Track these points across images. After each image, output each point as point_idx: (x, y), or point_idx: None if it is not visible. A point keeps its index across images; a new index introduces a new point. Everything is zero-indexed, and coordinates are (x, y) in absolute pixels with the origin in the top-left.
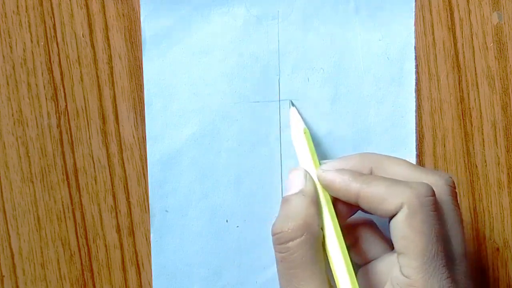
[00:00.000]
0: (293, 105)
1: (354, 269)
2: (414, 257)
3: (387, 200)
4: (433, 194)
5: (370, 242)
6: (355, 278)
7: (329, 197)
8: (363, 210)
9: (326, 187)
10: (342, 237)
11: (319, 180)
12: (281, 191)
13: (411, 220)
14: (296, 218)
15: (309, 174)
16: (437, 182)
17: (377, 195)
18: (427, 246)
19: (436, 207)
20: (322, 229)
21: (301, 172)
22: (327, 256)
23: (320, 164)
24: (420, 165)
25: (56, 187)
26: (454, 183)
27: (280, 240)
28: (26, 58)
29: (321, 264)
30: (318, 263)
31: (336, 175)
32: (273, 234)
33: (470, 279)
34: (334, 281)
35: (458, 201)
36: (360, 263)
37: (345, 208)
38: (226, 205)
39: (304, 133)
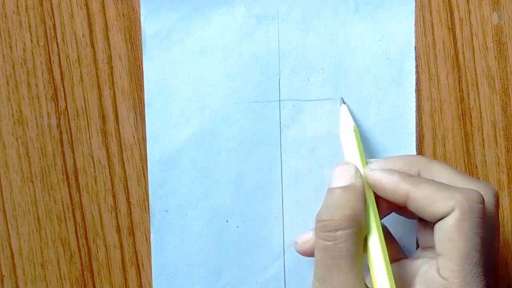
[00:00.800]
0: (344, 102)
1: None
2: (457, 260)
3: (436, 202)
4: (483, 201)
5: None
6: (393, 280)
7: (373, 196)
8: (402, 214)
9: (373, 186)
10: (383, 237)
11: (366, 178)
12: (281, 191)
13: (460, 224)
14: (346, 209)
15: (359, 171)
16: (483, 191)
17: (426, 197)
18: (471, 252)
19: (484, 215)
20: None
21: (351, 166)
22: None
23: (367, 163)
24: None
25: (56, 187)
26: (498, 194)
27: (327, 228)
28: (26, 58)
29: (361, 260)
30: (360, 258)
31: (385, 175)
32: (320, 221)
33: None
34: (369, 279)
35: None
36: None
37: (383, 208)
38: (226, 205)
39: (354, 131)
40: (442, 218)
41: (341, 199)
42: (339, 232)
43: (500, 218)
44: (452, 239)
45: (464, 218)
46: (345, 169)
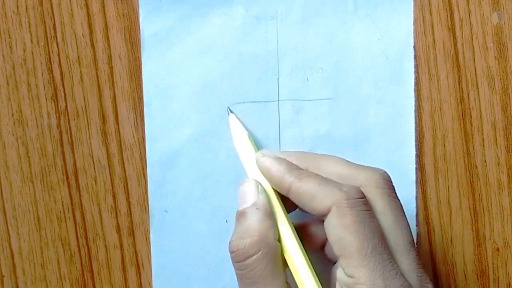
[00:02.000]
0: (231, 112)
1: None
2: (352, 256)
3: (317, 198)
4: (363, 196)
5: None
6: (320, 284)
7: (282, 206)
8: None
9: (262, 173)
10: (301, 244)
11: (257, 163)
12: None
13: (343, 220)
14: (251, 234)
15: (261, 185)
16: (372, 176)
17: (307, 192)
18: (363, 243)
19: (367, 206)
20: (279, 240)
21: (252, 183)
22: (287, 267)
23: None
24: (418, 166)
25: (56, 187)
26: (389, 177)
27: (238, 258)
28: (26, 58)
29: (281, 276)
30: (278, 276)
31: (274, 164)
32: (231, 252)
33: (422, 267)
34: None
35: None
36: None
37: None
38: (226, 205)
39: (249, 138)
40: (326, 217)
41: (246, 223)
42: (248, 260)
43: (500, 218)
44: (341, 237)
45: (345, 214)
46: (247, 188)
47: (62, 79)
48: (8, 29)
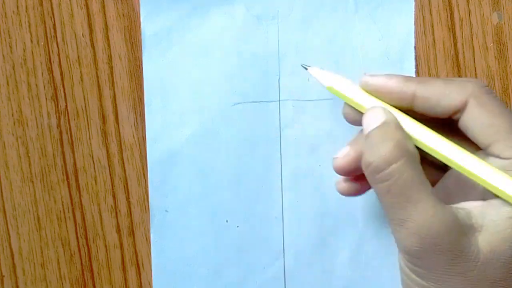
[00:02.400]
0: (307, 67)
1: None
2: (508, 136)
3: (448, 96)
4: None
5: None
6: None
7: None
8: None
9: (376, 92)
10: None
11: (367, 85)
12: (281, 191)
13: (487, 108)
14: (387, 142)
15: (387, 108)
16: (476, 84)
17: (435, 93)
18: None
19: (494, 94)
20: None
21: (378, 108)
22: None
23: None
24: None
25: (56, 187)
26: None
27: (378, 168)
28: (26, 58)
29: (428, 183)
30: (426, 182)
31: (388, 78)
32: (368, 165)
33: None
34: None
35: None
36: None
37: None
38: (226, 205)
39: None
40: (461, 113)
41: (379, 136)
42: (392, 166)
43: None
44: (489, 123)
45: (485, 101)
46: (373, 113)
47: (62, 79)
48: (8, 29)
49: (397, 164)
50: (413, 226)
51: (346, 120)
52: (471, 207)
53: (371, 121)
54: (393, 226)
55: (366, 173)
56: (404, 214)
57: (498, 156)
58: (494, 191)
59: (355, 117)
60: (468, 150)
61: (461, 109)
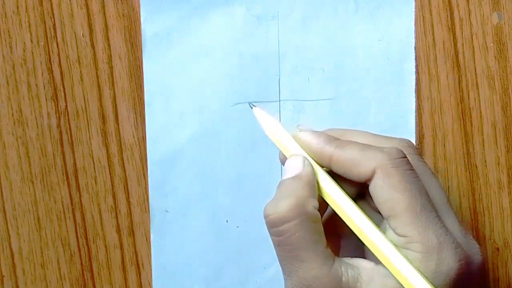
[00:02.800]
0: (253, 106)
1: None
2: (403, 215)
3: (360, 164)
4: (405, 155)
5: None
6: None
7: (330, 178)
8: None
9: (303, 148)
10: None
11: (297, 139)
12: None
13: (389, 181)
14: (290, 198)
15: (307, 160)
16: (400, 145)
17: (350, 158)
18: (412, 201)
19: (410, 166)
20: (328, 203)
21: (298, 157)
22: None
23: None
24: None
25: (56, 187)
26: (414, 145)
27: (274, 223)
28: (26, 58)
29: (321, 242)
30: (318, 242)
31: (312, 136)
32: (265, 217)
33: (462, 225)
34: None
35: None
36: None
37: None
38: (226, 205)
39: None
40: (371, 181)
41: (286, 190)
42: (285, 225)
43: (500, 218)
44: (389, 198)
45: (390, 174)
46: (293, 161)
47: (62, 79)
48: (8, 29)
49: (289, 224)
50: (297, 280)
51: (282, 164)
52: (362, 267)
53: (288, 169)
54: (283, 273)
55: (264, 220)
56: (290, 268)
57: (393, 231)
58: (383, 262)
59: None
60: (378, 216)
61: (370, 178)
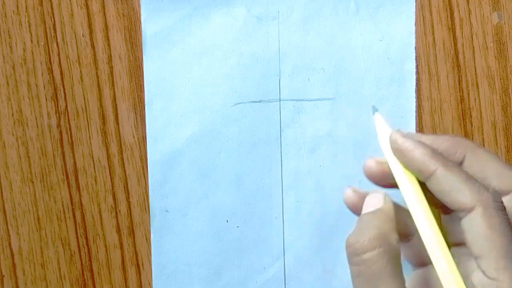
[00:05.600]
0: (376, 110)
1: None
2: (499, 258)
3: (462, 192)
4: (502, 201)
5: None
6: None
7: (424, 198)
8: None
9: (400, 154)
10: (443, 238)
11: (395, 145)
12: (281, 191)
13: (490, 221)
14: (372, 229)
15: (388, 196)
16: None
17: (453, 182)
18: (509, 246)
19: (506, 213)
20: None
21: (380, 193)
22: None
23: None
24: None
25: (56, 187)
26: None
27: (356, 252)
28: (26, 58)
29: (400, 278)
30: (397, 277)
31: (418, 145)
32: (348, 246)
33: None
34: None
35: None
36: (415, 265)
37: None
38: (226, 205)
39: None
40: (465, 213)
41: (368, 222)
42: (367, 254)
43: None
44: (487, 237)
45: (492, 215)
46: (374, 197)
47: (62, 79)
48: (8, 29)
49: (371, 253)
50: None
51: (364, 173)
52: None
53: (369, 204)
54: None
55: (346, 251)
56: None
57: (483, 272)
58: None
59: (376, 173)
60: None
61: (466, 211)
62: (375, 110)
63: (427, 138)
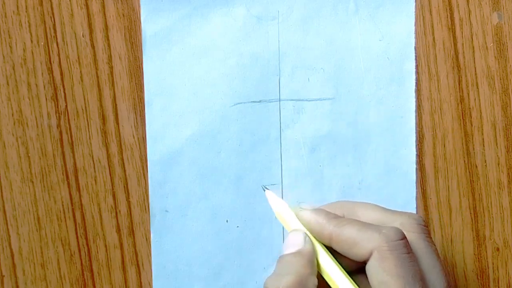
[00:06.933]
0: (266, 188)
1: None
2: None
3: (358, 244)
4: (404, 237)
5: None
6: None
7: (331, 256)
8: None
9: (305, 225)
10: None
11: (300, 218)
12: (281, 191)
13: (384, 265)
14: (291, 275)
15: (308, 236)
16: (407, 221)
17: (348, 239)
18: (405, 287)
19: (408, 249)
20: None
21: (300, 233)
22: None
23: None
24: (418, 166)
25: (56, 187)
26: (424, 221)
27: None
28: (26, 58)
29: None
30: None
31: (312, 216)
32: None
33: None
34: None
35: (432, 238)
36: None
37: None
38: (226, 205)
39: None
40: (368, 261)
41: (287, 266)
42: None
43: (500, 218)
44: (383, 281)
45: (386, 257)
46: (294, 236)
47: (62, 79)
48: (8, 29)
49: None
50: None
51: None
52: None
53: (290, 244)
54: None
55: None
56: None
57: None
58: None
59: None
60: None
61: (367, 259)
62: (265, 189)
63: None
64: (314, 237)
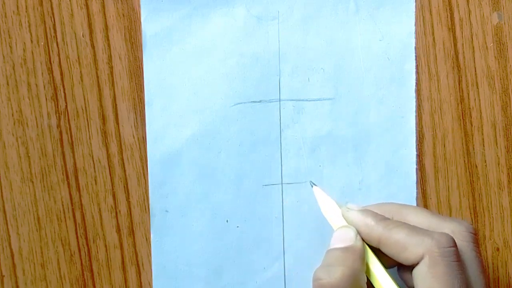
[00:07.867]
0: (314, 184)
1: None
2: None
3: (408, 248)
4: (455, 244)
5: None
6: None
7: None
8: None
9: (352, 225)
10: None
11: (346, 218)
12: (281, 191)
13: (434, 271)
14: (344, 268)
15: (359, 235)
16: (457, 229)
17: (398, 242)
18: None
19: (458, 257)
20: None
21: (351, 229)
22: None
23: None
24: (418, 166)
25: (56, 187)
26: (475, 230)
27: (323, 287)
28: (26, 58)
29: None
30: None
31: (360, 217)
32: (315, 280)
33: None
34: None
35: (480, 248)
36: None
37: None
38: (226, 205)
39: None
40: (416, 265)
41: (339, 259)
42: None
43: (500, 218)
44: (431, 287)
45: (436, 264)
46: (345, 232)
47: (62, 79)
48: (8, 29)
49: None
50: None
51: None
52: None
53: (340, 238)
54: None
55: (312, 281)
56: None
57: None
58: None
59: None
60: None
61: (417, 263)
62: (313, 184)
63: (367, 207)
64: (363, 237)
